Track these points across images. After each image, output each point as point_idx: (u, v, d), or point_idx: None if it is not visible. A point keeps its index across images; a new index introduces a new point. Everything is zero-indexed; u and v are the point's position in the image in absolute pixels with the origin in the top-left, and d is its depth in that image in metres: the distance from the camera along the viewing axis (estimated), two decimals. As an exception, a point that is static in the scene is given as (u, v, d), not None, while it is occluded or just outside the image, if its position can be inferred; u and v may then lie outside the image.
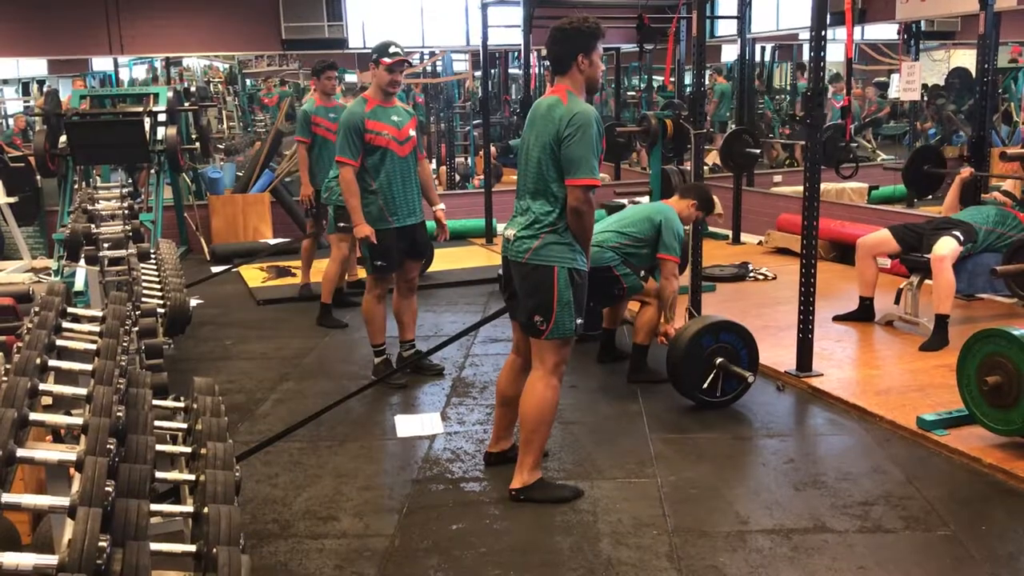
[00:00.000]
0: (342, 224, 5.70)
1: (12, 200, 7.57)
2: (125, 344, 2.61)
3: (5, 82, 14.44)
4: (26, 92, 13.82)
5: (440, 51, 10.99)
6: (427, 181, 4.86)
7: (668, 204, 4.85)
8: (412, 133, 4.72)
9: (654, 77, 12.00)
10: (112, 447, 1.81)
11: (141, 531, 1.96)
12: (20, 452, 1.75)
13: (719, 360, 4.27)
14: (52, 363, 2.34)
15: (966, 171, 5.82)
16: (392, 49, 4.66)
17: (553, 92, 3.35)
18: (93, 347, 2.51)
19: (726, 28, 9.57)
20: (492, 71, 12.61)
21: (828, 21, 7.81)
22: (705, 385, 4.26)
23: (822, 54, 4.39)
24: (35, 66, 12.89)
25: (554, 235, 3.25)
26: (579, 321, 3.31)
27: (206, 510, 2.10)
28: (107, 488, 1.61)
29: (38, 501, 1.66)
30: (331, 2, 9.27)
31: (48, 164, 7.49)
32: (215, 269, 7.48)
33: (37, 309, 2.59)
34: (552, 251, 3.24)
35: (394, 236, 4.62)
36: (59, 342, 2.58)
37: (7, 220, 7.51)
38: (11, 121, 13.15)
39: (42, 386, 2.12)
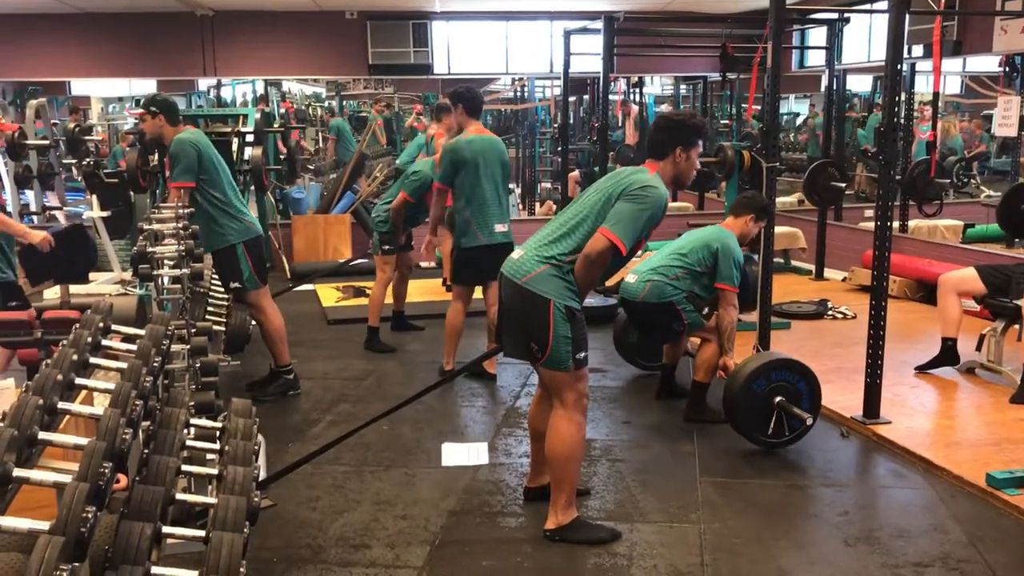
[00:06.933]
0: (387, 247, 6.05)
1: (106, 214, 7.89)
2: (156, 364, 2.64)
3: (120, 99, 15.18)
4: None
5: (523, 77, 11.06)
6: None
7: (725, 227, 4.73)
8: None
9: (743, 106, 11.80)
10: (106, 469, 1.82)
11: (141, 554, 1.98)
12: (16, 472, 1.78)
13: (778, 399, 4.10)
14: (81, 382, 2.39)
15: None
16: None
17: (645, 165, 3.38)
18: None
19: (816, 59, 9.34)
20: (584, 97, 12.66)
21: (921, 53, 7.58)
22: (765, 427, 4.10)
23: (898, 88, 4.22)
24: (147, 85, 13.51)
25: (557, 271, 3.19)
26: (580, 356, 3.21)
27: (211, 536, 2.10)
28: (86, 515, 1.61)
29: (17, 524, 1.68)
30: (417, 28, 9.43)
31: (140, 180, 7.79)
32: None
33: (77, 327, 2.66)
34: (551, 284, 3.17)
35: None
36: (95, 360, 2.64)
37: (100, 233, 7.83)
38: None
39: (61, 404, 2.16)
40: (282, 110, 11.07)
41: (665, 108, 13.21)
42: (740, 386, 4.08)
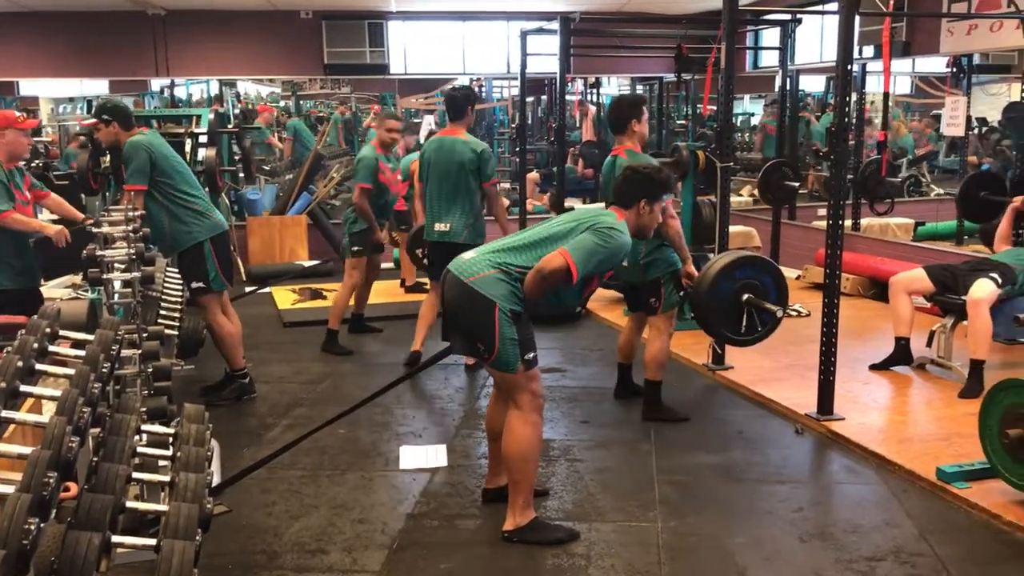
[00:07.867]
0: (356, 248, 5.99)
1: (56, 217, 7.74)
2: (105, 369, 2.59)
3: (71, 100, 14.88)
4: (90, 110, 14.22)
5: (480, 78, 11.05)
6: None
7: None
8: None
9: (699, 107, 11.89)
10: (51, 480, 1.78)
11: (89, 565, 1.94)
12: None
13: (746, 296, 4.13)
14: (26, 389, 2.33)
15: (1019, 200, 5.58)
16: None
17: (612, 210, 3.46)
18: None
19: (770, 59, 9.44)
20: (542, 97, 12.66)
21: (872, 53, 7.70)
22: (738, 325, 4.14)
23: (849, 88, 4.27)
24: (98, 85, 13.25)
25: (507, 276, 3.20)
26: (529, 356, 3.23)
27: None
28: (28, 526, 1.58)
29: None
30: (373, 28, 9.38)
31: (91, 183, 7.64)
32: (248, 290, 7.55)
33: (22, 333, 2.60)
34: (498, 288, 3.18)
35: None
36: (43, 367, 2.58)
37: (51, 236, 7.67)
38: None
39: (5, 413, 2.11)
40: (237, 109, 10.91)
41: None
42: (706, 290, 4.11)
